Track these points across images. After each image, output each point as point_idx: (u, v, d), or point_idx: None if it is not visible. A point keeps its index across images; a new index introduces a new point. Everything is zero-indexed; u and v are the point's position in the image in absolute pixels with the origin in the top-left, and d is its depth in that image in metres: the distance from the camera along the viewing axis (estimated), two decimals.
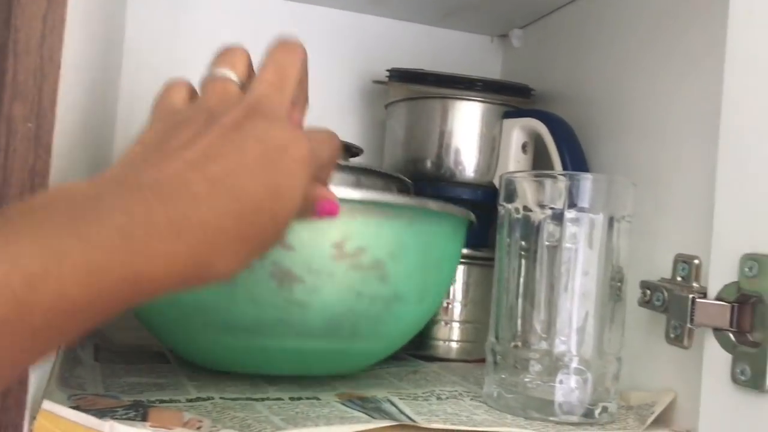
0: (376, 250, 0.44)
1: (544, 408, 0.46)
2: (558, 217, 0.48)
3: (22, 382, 0.32)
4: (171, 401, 0.43)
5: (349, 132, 0.73)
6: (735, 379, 0.40)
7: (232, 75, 0.33)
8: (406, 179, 0.53)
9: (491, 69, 0.77)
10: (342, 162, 0.52)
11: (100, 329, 0.60)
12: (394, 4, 0.71)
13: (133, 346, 0.58)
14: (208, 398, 0.44)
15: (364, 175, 0.49)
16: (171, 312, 0.45)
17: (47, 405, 0.34)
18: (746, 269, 0.40)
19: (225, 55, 0.34)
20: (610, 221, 0.47)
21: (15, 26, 0.32)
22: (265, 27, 0.71)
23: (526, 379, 0.48)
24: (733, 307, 0.41)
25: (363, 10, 0.73)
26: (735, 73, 0.43)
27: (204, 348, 0.48)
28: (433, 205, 0.48)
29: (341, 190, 0.43)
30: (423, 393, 0.50)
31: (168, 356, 0.56)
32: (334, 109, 0.73)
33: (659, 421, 0.46)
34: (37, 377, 0.35)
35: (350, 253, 0.43)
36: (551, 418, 0.46)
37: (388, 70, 0.68)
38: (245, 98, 0.31)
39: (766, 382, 0.38)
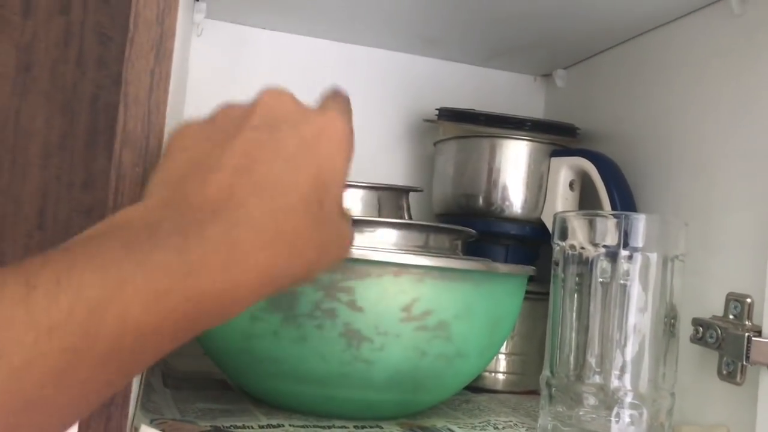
0: (443, 312, 0.46)
1: None
2: (611, 255, 0.49)
3: (124, 408, 0.35)
4: (244, 427, 0.45)
5: (399, 168, 0.75)
6: None
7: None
8: (472, 231, 0.55)
9: (535, 108, 0.80)
10: (411, 221, 0.54)
11: (164, 357, 0.62)
12: (444, 46, 0.74)
13: (197, 372, 0.61)
14: (279, 425, 0.46)
15: (433, 233, 0.51)
16: (244, 358, 0.47)
17: (144, 430, 0.36)
18: None
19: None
20: (664, 260, 0.49)
21: (126, 80, 0.35)
22: (319, 67, 0.75)
23: (581, 413, 0.49)
24: None
25: (413, 51, 0.76)
26: None
27: (273, 391, 0.50)
28: (501, 268, 0.50)
29: (411, 257, 0.46)
30: (480, 423, 0.51)
31: (230, 385, 0.58)
32: (384, 145, 0.75)
33: None
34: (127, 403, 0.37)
35: (417, 315, 0.45)
36: None
37: (438, 109, 0.70)
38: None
39: None
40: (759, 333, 0.45)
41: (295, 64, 0.74)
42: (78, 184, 0.71)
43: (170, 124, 0.49)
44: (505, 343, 0.65)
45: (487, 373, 0.66)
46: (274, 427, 0.46)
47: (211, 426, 0.43)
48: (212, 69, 0.72)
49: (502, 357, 0.66)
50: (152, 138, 0.35)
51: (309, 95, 0.79)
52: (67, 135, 0.71)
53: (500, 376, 0.66)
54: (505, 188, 0.66)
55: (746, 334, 0.45)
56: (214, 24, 0.71)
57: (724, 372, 0.48)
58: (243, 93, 0.72)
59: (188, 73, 0.71)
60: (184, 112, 0.71)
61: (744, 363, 0.45)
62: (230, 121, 0.30)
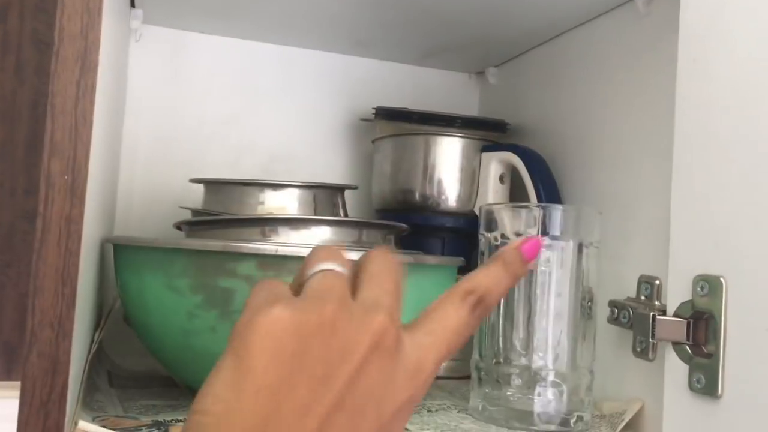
0: None
1: (524, 418, 0.51)
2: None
3: (61, 405, 0.36)
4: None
5: (338, 166, 0.78)
6: (692, 387, 0.45)
7: (340, 269, 0.30)
8: (404, 226, 0.58)
9: (469, 104, 0.83)
10: (345, 218, 0.57)
11: (110, 357, 0.64)
12: (378, 47, 0.76)
13: (143, 371, 0.62)
14: None
15: (366, 228, 0.53)
16: (185, 354, 0.49)
17: (83, 425, 0.38)
18: (698, 289, 0.45)
19: (322, 252, 0.31)
20: (580, 247, 0.53)
21: (52, 91, 0.37)
22: (257, 69, 0.76)
23: (508, 393, 0.52)
24: (688, 323, 0.46)
25: (349, 52, 0.78)
26: (684, 113, 0.48)
27: None
28: (429, 259, 0.53)
29: (348, 251, 0.48)
30: (415, 407, 0.54)
31: (175, 380, 0.60)
32: (324, 144, 0.78)
33: (629, 427, 0.51)
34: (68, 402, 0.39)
35: None
36: (531, 428, 0.50)
37: (374, 109, 0.73)
38: (368, 314, 0.28)
39: (719, 390, 0.43)
40: (664, 312, 0.48)
41: (233, 67, 0.75)
42: (20, 191, 0.72)
43: (107, 131, 0.51)
44: None
45: None
46: None
47: (152, 420, 0.45)
48: (152, 74, 0.73)
49: None
50: (80, 147, 0.37)
51: (248, 97, 0.81)
52: (7, 143, 0.71)
53: None
54: (439, 183, 0.69)
55: (652, 313, 0.48)
56: (152, 30, 0.72)
57: (638, 349, 0.52)
58: (182, 98, 0.74)
59: (127, 80, 0.72)
60: (125, 118, 0.72)
61: (651, 340, 0.49)
62: (339, 339, 0.26)
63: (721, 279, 0.44)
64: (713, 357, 0.44)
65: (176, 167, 0.72)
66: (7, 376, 0.68)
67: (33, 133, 0.70)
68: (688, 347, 0.46)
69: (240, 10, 0.68)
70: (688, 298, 0.46)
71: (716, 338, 0.44)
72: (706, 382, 0.44)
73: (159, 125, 0.72)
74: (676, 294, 0.47)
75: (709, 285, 0.45)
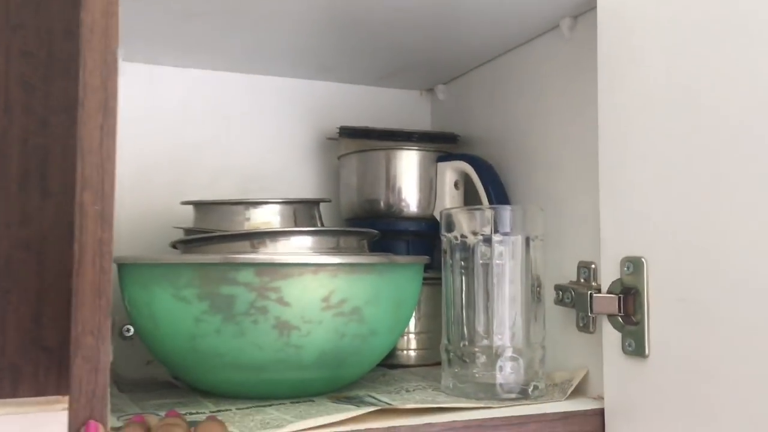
0: (355, 299, 0.56)
1: (489, 390, 0.59)
2: (487, 241, 0.61)
3: (104, 401, 0.43)
4: (197, 413, 0.54)
5: (309, 181, 0.85)
6: (625, 351, 0.55)
7: None
8: (375, 231, 0.66)
9: (423, 118, 0.91)
10: (324, 228, 0.64)
11: (113, 368, 0.70)
12: (339, 71, 0.84)
13: (143, 379, 0.69)
14: (227, 410, 0.55)
15: (342, 236, 0.61)
16: (191, 355, 0.56)
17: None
18: (625, 269, 0.55)
19: None
20: (527, 240, 0.61)
21: (80, 136, 0.44)
22: (229, 97, 0.83)
23: (474, 370, 0.61)
24: (619, 298, 0.55)
25: (312, 77, 0.86)
26: (605, 121, 0.58)
27: (218, 381, 0.58)
28: (399, 259, 0.61)
29: (325, 258, 0.56)
30: (394, 389, 0.62)
31: (175, 383, 0.66)
32: (293, 162, 0.85)
33: (577, 391, 0.60)
34: None
35: (335, 304, 0.55)
36: (495, 398, 0.59)
37: (338, 128, 0.81)
38: None
39: (645, 350, 0.53)
40: (599, 290, 0.57)
41: (206, 95, 0.82)
42: (15, 223, 0.77)
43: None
44: (414, 324, 0.77)
45: (400, 351, 0.77)
46: (222, 411, 0.55)
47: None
48: (132, 106, 0.79)
49: (412, 336, 0.77)
50: (107, 180, 0.44)
51: (221, 123, 0.88)
52: (0, 178, 0.77)
53: (412, 353, 0.77)
54: (401, 192, 0.77)
55: (589, 292, 0.57)
56: (131, 66, 0.78)
57: (581, 324, 0.61)
58: (161, 127, 0.80)
59: None
60: None
61: (590, 314, 0.58)
62: None
63: (643, 259, 0.53)
64: (639, 324, 0.53)
65: (158, 191, 0.78)
66: (14, 394, 0.74)
67: (24, 169, 0.76)
68: (620, 318, 0.55)
69: (210, 45, 0.75)
70: (618, 277, 0.55)
71: (641, 309, 0.53)
72: (635, 345, 0.54)
73: (141, 153, 0.79)
74: (607, 274, 0.57)
75: (634, 265, 0.54)
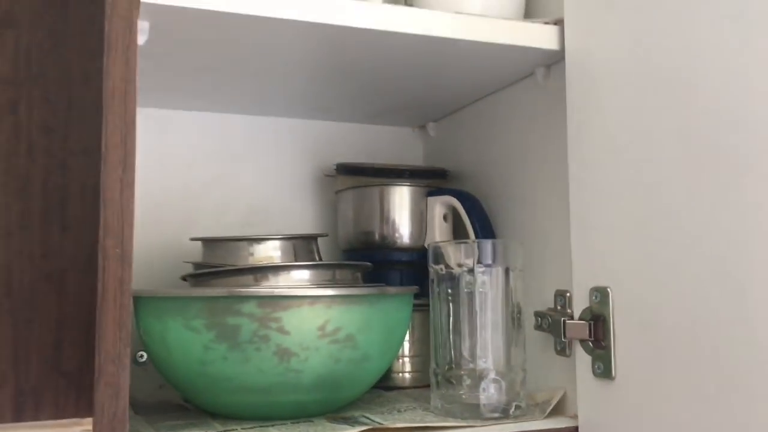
0: (349, 327, 0.61)
1: (474, 410, 0.64)
2: (471, 272, 0.67)
3: (124, 422, 0.48)
4: None
5: (308, 214, 0.91)
6: (594, 373, 0.60)
7: None
8: (368, 264, 0.71)
9: (416, 153, 0.97)
10: (321, 262, 0.70)
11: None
12: (336, 111, 0.90)
13: (156, 402, 0.74)
14: (233, 429, 0.60)
15: (338, 269, 0.67)
16: (201, 380, 0.62)
17: None
18: (593, 297, 0.60)
19: None
20: (507, 271, 0.67)
21: (103, 188, 0.49)
22: (234, 137, 0.90)
23: (460, 392, 0.66)
24: (590, 324, 0.61)
25: (310, 116, 0.92)
26: (574, 163, 0.63)
27: (225, 403, 0.64)
28: (389, 290, 0.67)
29: (321, 290, 0.61)
30: (387, 409, 0.67)
31: (186, 406, 0.72)
32: (294, 197, 0.91)
33: (556, 410, 0.65)
34: None
35: (330, 332, 0.61)
36: (480, 417, 0.64)
37: (335, 165, 0.87)
38: None
39: (612, 373, 0.58)
40: (572, 317, 0.63)
41: (213, 136, 0.88)
42: (38, 255, 0.83)
43: None
44: (408, 347, 0.82)
45: (395, 374, 0.82)
46: (229, 431, 0.60)
47: None
48: (144, 148, 0.85)
49: (406, 359, 0.82)
50: (126, 227, 0.49)
51: (226, 161, 0.94)
52: (24, 215, 0.83)
53: (407, 375, 0.82)
54: (394, 225, 0.83)
55: (563, 319, 0.63)
56: (144, 111, 0.85)
57: (558, 348, 0.66)
58: (170, 166, 0.86)
59: None
60: None
61: (563, 339, 0.63)
62: None
63: (608, 289, 0.59)
64: (607, 349, 0.59)
65: (169, 226, 0.84)
66: (35, 416, 0.79)
67: (45, 206, 0.82)
68: (590, 343, 0.61)
69: (216, 92, 0.81)
70: (588, 305, 0.61)
71: (608, 334, 0.59)
72: (603, 368, 0.59)
73: (151, 191, 0.85)
74: (579, 302, 0.62)
75: (600, 294, 0.59)
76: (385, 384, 0.81)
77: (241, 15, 0.58)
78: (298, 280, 0.66)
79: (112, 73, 0.50)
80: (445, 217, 0.82)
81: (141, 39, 0.56)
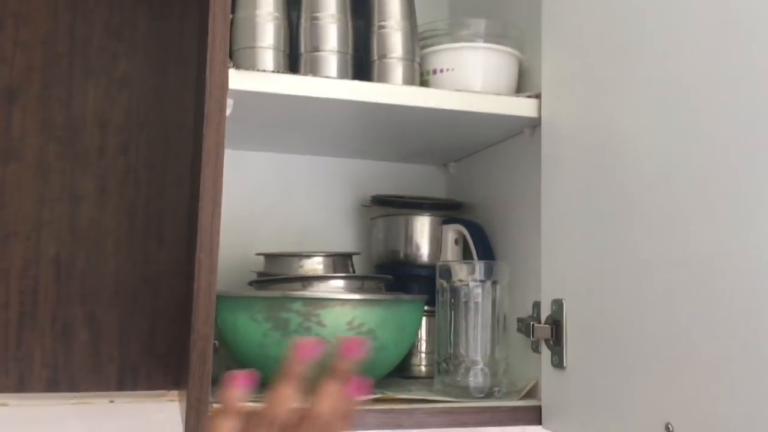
0: (371, 323, 0.82)
1: (465, 391, 0.84)
2: (468, 286, 0.87)
3: (207, 381, 0.70)
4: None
5: (347, 237, 1.13)
6: (553, 364, 0.79)
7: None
8: (389, 276, 0.92)
9: (439, 187, 1.18)
10: (353, 275, 0.91)
11: None
12: (373, 152, 1.11)
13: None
14: None
15: (365, 281, 0.88)
16: (260, 358, 0.83)
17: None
18: (554, 307, 0.79)
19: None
20: (494, 285, 0.87)
21: (201, 221, 0.72)
22: (291, 172, 1.12)
23: (457, 378, 0.86)
24: (552, 328, 0.80)
25: (352, 156, 1.14)
26: (546, 202, 0.83)
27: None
28: (403, 297, 0.87)
29: (351, 295, 0.82)
30: (401, 390, 0.88)
31: None
32: (338, 222, 1.13)
33: (529, 395, 0.84)
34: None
35: (356, 326, 0.81)
36: (469, 396, 0.83)
37: (371, 197, 1.08)
38: None
39: (564, 364, 0.77)
40: (540, 322, 0.82)
41: (274, 170, 1.11)
42: (140, 263, 1.08)
43: None
44: (423, 345, 1.02)
45: (413, 366, 1.02)
46: None
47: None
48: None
49: (422, 355, 1.02)
50: (213, 246, 0.72)
51: (284, 192, 1.18)
52: (130, 232, 1.08)
53: (422, 368, 1.03)
54: (416, 247, 1.04)
55: (532, 323, 0.82)
56: None
57: (533, 347, 0.85)
58: (239, 195, 1.08)
59: None
60: None
61: (531, 339, 0.83)
62: None
63: (563, 300, 0.78)
64: (561, 346, 0.78)
65: (239, 243, 1.07)
66: (133, 387, 1.03)
67: (146, 225, 1.06)
68: (551, 341, 0.80)
69: (277, 138, 1.04)
70: (549, 312, 0.80)
71: (561, 335, 0.78)
72: (558, 360, 0.78)
73: (228, 215, 1.08)
74: (545, 310, 0.81)
75: (557, 304, 0.79)
76: (404, 374, 1.01)
77: (300, 96, 0.80)
78: (335, 287, 0.87)
79: (208, 139, 0.73)
80: (456, 241, 1.03)
81: (228, 111, 0.79)
